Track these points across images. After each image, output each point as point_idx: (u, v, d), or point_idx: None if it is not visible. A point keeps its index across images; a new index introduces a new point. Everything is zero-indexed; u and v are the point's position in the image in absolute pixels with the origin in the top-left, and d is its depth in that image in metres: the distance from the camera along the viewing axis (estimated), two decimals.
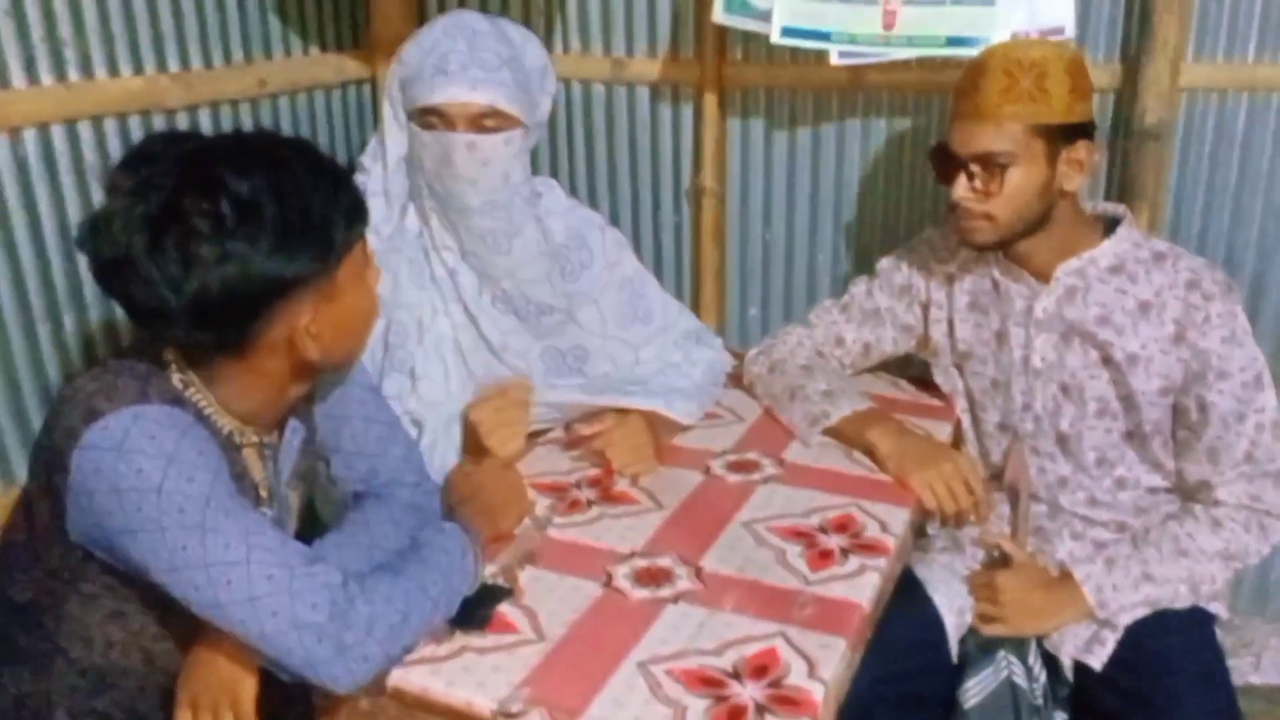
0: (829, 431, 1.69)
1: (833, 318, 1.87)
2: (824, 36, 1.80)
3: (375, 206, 1.53)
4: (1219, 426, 1.53)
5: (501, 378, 1.65)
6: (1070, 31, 1.72)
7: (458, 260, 1.64)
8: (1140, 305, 1.56)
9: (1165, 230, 1.94)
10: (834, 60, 1.80)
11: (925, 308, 1.79)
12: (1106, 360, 1.59)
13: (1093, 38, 1.90)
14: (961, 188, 1.53)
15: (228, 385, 1.18)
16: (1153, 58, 1.82)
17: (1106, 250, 1.58)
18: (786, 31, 1.80)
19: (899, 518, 1.48)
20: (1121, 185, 1.90)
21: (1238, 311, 1.53)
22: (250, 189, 1.06)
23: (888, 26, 1.78)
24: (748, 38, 2.06)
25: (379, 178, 1.63)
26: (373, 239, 1.35)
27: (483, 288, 1.66)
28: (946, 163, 1.55)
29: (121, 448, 1.05)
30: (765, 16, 1.81)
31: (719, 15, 1.86)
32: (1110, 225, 1.62)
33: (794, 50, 1.99)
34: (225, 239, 1.05)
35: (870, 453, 1.63)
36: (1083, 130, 1.52)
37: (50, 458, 1.10)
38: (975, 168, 1.51)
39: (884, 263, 1.84)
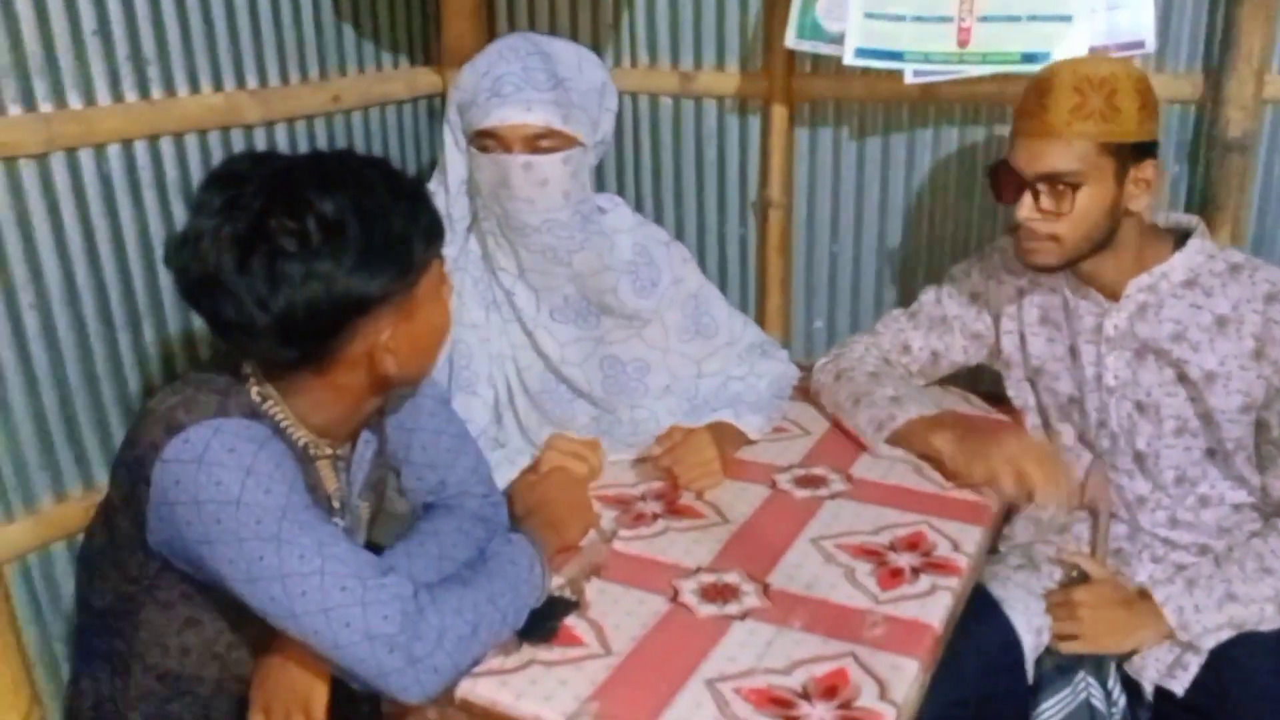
0: (895, 437, 1.66)
1: (900, 325, 1.85)
2: (897, 56, 1.77)
3: None
4: None
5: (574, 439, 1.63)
6: (1150, 45, 1.68)
7: (514, 281, 1.64)
8: (1217, 320, 1.52)
9: (1248, 243, 1.88)
10: (908, 79, 1.77)
11: (997, 317, 1.76)
12: (1182, 378, 1.55)
13: (1174, 48, 1.85)
14: (1027, 208, 1.48)
15: (305, 398, 1.20)
16: (1236, 69, 1.77)
17: (1178, 264, 1.54)
18: (860, 53, 1.78)
19: (971, 536, 1.46)
20: (1203, 197, 1.85)
21: None
22: (335, 209, 1.08)
23: (962, 44, 1.74)
24: None
25: (442, 201, 1.63)
26: None
27: (541, 303, 1.66)
28: (1009, 182, 1.50)
29: (201, 460, 1.07)
30: (838, 39, 1.80)
31: (791, 40, 1.84)
32: (1182, 238, 1.57)
33: None
34: (311, 258, 1.07)
35: (936, 459, 1.61)
36: (1149, 149, 1.48)
37: (132, 469, 1.12)
38: (1042, 187, 1.47)
39: (955, 270, 1.82)
